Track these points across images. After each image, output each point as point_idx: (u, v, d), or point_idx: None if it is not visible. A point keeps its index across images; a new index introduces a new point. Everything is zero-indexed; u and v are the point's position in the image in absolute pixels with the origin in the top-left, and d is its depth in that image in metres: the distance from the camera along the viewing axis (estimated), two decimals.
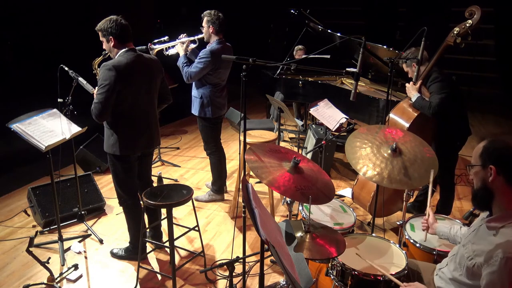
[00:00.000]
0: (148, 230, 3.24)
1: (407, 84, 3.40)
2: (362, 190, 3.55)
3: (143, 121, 2.91)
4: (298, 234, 2.03)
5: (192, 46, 3.78)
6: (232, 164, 5.02)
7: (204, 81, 3.72)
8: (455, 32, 3.12)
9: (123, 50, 2.77)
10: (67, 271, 2.94)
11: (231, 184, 4.45)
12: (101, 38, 2.81)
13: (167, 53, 3.81)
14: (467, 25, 3.04)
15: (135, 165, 3.01)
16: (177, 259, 3.21)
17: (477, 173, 1.63)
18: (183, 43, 3.74)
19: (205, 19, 3.67)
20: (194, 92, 3.81)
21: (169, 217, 2.73)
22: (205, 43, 3.74)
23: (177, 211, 3.86)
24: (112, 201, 4.01)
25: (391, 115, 3.41)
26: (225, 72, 3.80)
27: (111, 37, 2.74)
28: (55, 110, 3.17)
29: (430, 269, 2.10)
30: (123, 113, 2.80)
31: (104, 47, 2.85)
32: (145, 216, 3.10)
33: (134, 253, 3.12)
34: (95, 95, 2.73)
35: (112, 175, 3.00)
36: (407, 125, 3.31)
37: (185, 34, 3.78)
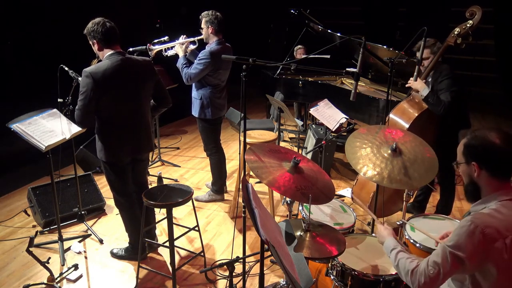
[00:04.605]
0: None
1: (411, 79, 3.33)
2: (362, 191, 3.55)
3: (129, 127, 2.82)
4: (298, 233, 2.03)
5: (192, 47, 3.77)
6: (232, 164, 5.02)
7: (204, 82, 3.72)
8: (455, 33, 3.11)
9: (108, 53, 2.70)
10: (67, 271, 2.95)
11: (231, 184, 4.45)
12: (89, 42, 2.78)
13: (166, 54, 3.79)
14: (468, 25, 3.02)
15: (127, 168, 2.97)
16: (177, 259, 3.21)
17: (464, 170, 1.71)
18: (182, 44, 3.73)
19: (203, 20, 3.66)
20: (194, 93, 3.81)
21: (169, 217, 2.72)
22: (206, 44, 3.74)
23: (177, 211, 3.86)
24: (112, 201, 3.98)
25: (391, 115, 3.39)
26: (224, 73, 3.79)
27: (94, 40, 2.70)
28: (55, 110, 3.17)
29: None
30: (107, 120, 2.75)
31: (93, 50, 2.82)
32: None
33: (134, 253, 3.12)
34: None
35: (105, 178, 3.01)
36: (407, 125, 3.30)
37: (185, 35, 3.77)
